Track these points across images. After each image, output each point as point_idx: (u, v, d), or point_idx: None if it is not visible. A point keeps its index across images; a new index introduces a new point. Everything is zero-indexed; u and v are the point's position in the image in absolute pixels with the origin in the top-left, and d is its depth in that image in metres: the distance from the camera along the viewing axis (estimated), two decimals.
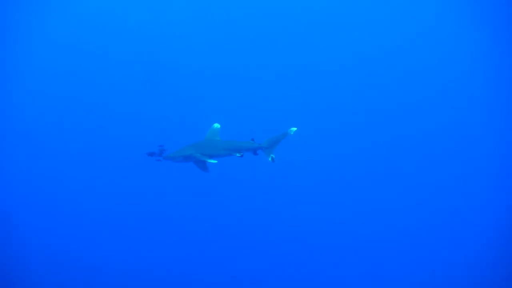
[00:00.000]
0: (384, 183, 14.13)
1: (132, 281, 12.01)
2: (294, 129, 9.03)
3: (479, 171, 14.69)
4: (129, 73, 16.26)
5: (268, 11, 17.42)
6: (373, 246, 13.02)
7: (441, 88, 16.29)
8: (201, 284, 12.11)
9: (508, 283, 11.99)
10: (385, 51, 16.94)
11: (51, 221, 12.79)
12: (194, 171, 8.86)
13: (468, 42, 16.40)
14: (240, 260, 12.43)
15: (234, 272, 12.21)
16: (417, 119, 15.72)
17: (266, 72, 16.40)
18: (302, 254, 12.71)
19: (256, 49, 16.90)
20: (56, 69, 16.03)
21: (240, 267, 12.31)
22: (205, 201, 12.98)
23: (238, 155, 8.78)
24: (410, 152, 15.02)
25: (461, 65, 16.42)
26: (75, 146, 14.41)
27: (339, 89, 16.14)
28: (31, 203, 13.06)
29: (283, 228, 13.01)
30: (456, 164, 14.84)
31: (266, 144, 9.09)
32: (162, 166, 8.88)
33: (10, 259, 11.91)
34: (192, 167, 8.89)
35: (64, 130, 14.90)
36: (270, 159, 9.07)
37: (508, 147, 14.84)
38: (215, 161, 8.51)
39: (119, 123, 14.95)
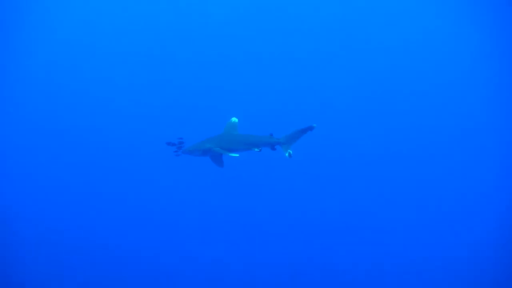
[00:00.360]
0: (390, 182, 14.13)
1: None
2: (314, 125, 8.77)
3: (481, 170, 14.73)
4: (147, 69, 16.09)
5: (286, 10, 17.18)
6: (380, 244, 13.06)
7: (450, 87, 16.24)
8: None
9: (508, 283, 12.02)
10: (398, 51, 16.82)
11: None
12: (209, 166, 8.66)
13: (470, 41, 16.33)
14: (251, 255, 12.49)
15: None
16: (423, 119, 15.68)
17: (285, 67, 16.21)
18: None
19: (274, 45, 16.69)
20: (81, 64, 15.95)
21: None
22: (216, 196, 12.87)
23: (256, 149, 8.60)
24: (417, 150, 14.98)
25: (463, 64, 16.39)
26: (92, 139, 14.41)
27: (355, 87, 16.02)
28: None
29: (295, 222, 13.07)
30: (459, 164, 14.85)
31: (284, 140, 8.92)
32: (180, 160, 8.52)
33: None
34: (208, 162, 8.65)
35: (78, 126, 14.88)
36: (287, 154, 8.87)
37: (508, 147, 14.89)
38: (237, 155, 8.33)
39: (138, 117, 14.87)
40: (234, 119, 8.92)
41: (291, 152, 8.90)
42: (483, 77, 16.07)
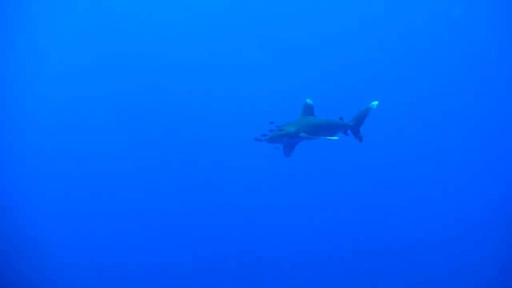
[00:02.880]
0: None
1: None
2: (376, 102, 8.63)
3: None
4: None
5: None
6: None
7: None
8: None
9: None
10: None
11: None
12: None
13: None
14: None
15: None
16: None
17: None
18: None
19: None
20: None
21: None
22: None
23: (336, 137, 8.10)
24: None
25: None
26: None
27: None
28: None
29: None
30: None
31: (353, 123, 8.70)
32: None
33: None
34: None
35: None
36: (358, 139, 8.69)
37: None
38: (336, 138, 7.91)
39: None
40: (309, 101, 8.44)
41: (361, 135, 8.69)
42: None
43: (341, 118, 8.57)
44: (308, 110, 8.35)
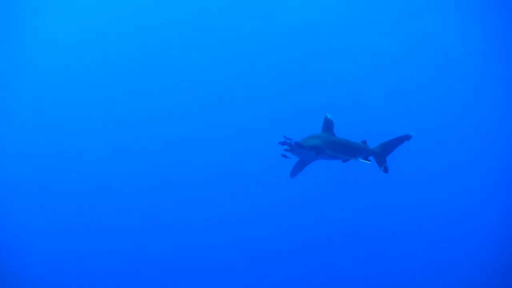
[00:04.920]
0: None
1: None
2: (412, 134, 7.42)
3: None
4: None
5: None
6: None
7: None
8: None
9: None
10: None
11: None
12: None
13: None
14: None
15: None
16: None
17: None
18: None
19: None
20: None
21: None
22: None
23: (362, 160, 7.01)
24: None
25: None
26: None
27: None
28: None
29: None
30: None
31: (379, 150, 7.49)
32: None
33: None
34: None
35: None
36: (382, 168, 7.44)
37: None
38: (369, 162, 6.93)
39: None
40: (329, 116, 7.22)
41: (386, 165, 7.47)
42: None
43: (364, 142, 7.40)
44: (329, 126, 7.14)
